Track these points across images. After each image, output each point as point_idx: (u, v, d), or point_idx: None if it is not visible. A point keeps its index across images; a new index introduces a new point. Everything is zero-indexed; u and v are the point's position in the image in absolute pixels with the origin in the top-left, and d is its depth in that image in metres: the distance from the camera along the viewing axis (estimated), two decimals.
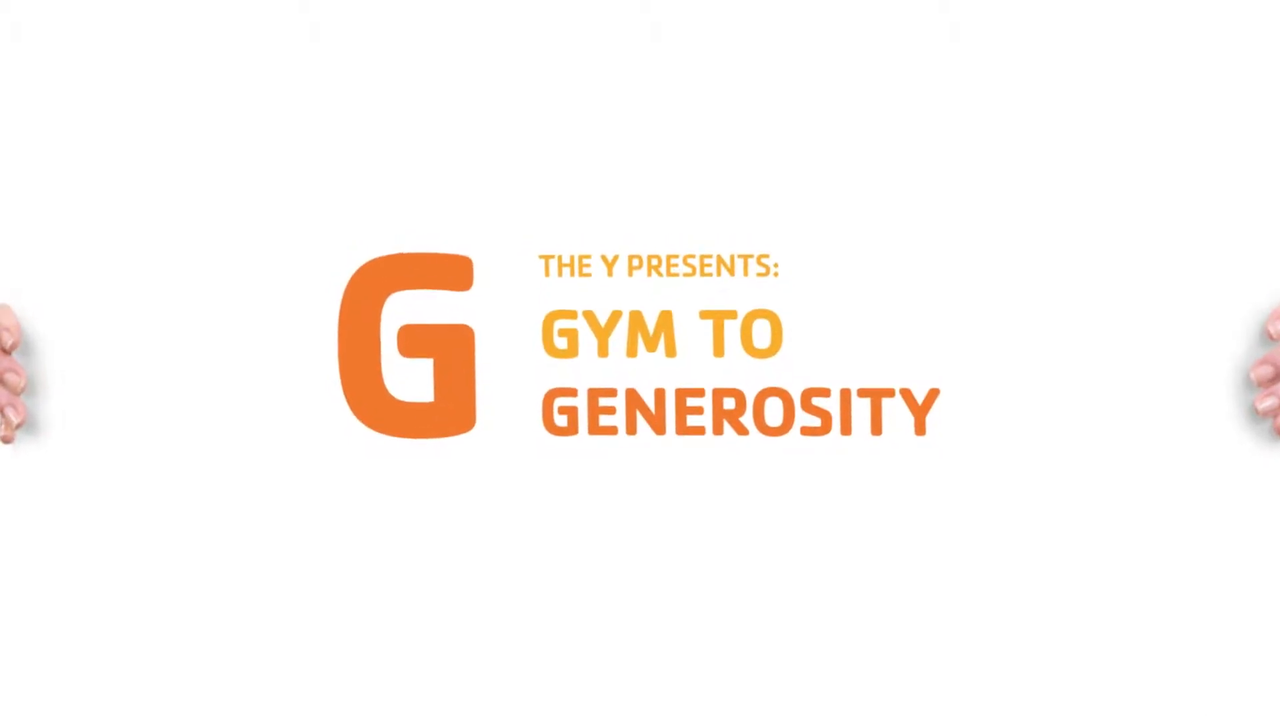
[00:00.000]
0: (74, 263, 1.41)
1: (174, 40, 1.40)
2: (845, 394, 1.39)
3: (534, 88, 1.39)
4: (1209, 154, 1.36)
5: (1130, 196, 1.37)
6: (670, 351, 1.40)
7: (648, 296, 1.39)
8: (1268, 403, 1.37)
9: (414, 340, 1.40)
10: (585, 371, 1.40)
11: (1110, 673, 1.39)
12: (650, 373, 1.40)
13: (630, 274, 1.39)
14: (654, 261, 1.39)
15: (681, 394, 1.40)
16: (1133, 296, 1.37)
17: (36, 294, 1.42)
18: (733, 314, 1.39)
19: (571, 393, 1.40)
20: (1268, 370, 1.37)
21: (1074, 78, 1.36)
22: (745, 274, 1.39)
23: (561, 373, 1.40)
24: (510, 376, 1.40)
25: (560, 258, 1.40)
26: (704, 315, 1.39)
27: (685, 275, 1.39)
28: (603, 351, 1.40)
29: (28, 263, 1.42)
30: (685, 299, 1.39)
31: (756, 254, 1.39)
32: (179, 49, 1.40)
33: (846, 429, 1.39)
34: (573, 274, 1.40)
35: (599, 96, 1.38)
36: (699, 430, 1.40)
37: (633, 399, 1.40)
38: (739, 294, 1.39)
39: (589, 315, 1.40)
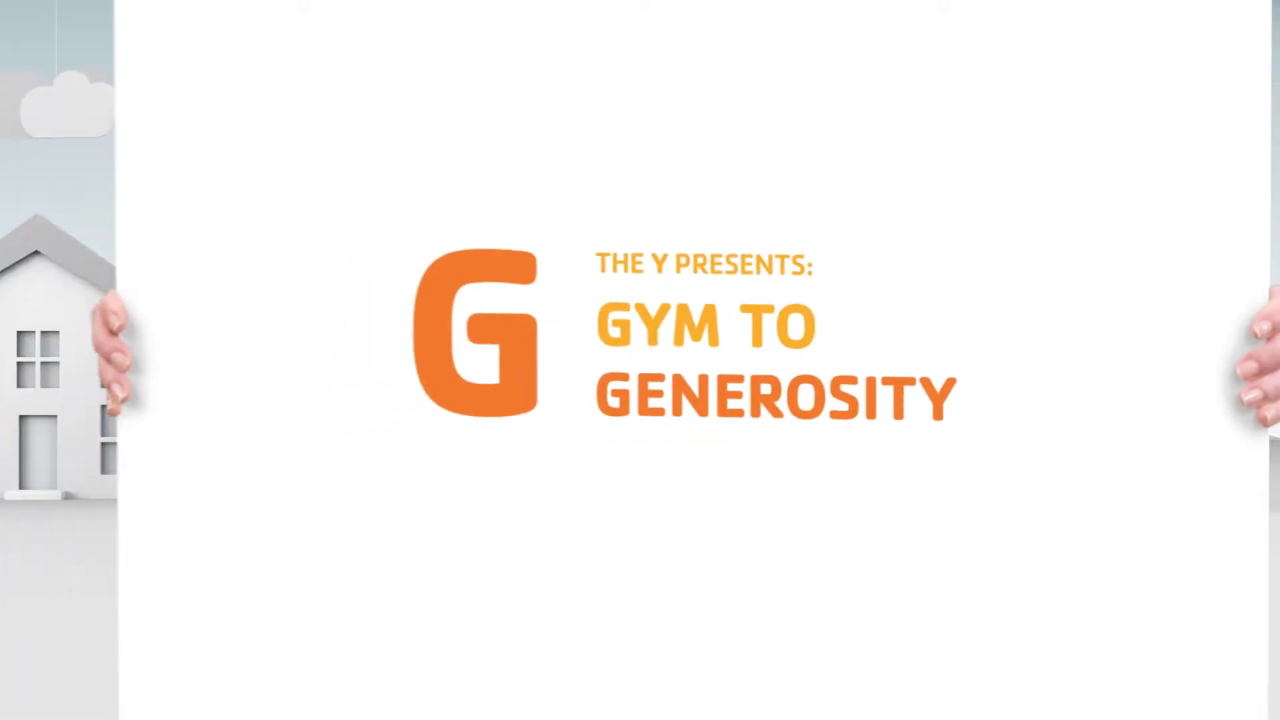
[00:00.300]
0: (174, 253, 1.56)
1: (264, 58, 1.56)
2: (871, 382, 1.54)
3: (596, 105, 1.54)
4: (1208, 173, 1.51)
5: (1133, 209, 1.52)
6: (713, 341, 1.55)
7: (694, 291, 1.54)
8: (1251, 395, 1.51)
9: (482, 328, 1.55)
10: (636, 358, 1.55)
11: (1107, 632, 1.52)
12: (695, 360, 1.55)
13: (678, 270, 1.54)
14: (700, 260, 1.54)
15: (723, 380, 1.55)
16: (1133, 298, 1.52)
17: (142, 280, 1.57)
18: (770, 308, 1.54)
19: (623, 377, 1.55)
20: (1252, 365, 1.51)
21: (1087, 94, 1.51)
22: (782, 272, 1.54)
23: (615, 359, 1.55)
24: (568, 362, 1.55)
25: (615, 255, 1.55)
26: (744, 309, 1.54)
27: (728, 273, 1.54)
28: (652, 340, 1.55)
29: (134, 252, 1.57)
30: (727, 294, 1.54)
31: (792, 254, 1.54)
32: (268, 67, 1.55)
33: (871, 413, 1.54)
34: (626, 270, 1.55)
35: (653, 111, 1.54)
36: (738, 413, 1.55)
37: (679, 384, 1.55)
38: (776, 290, 1.54)
39: (640, 307, 1.55)
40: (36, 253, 22.63)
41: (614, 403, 1.55)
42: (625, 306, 1.55)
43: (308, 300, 1.56)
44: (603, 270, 1.55)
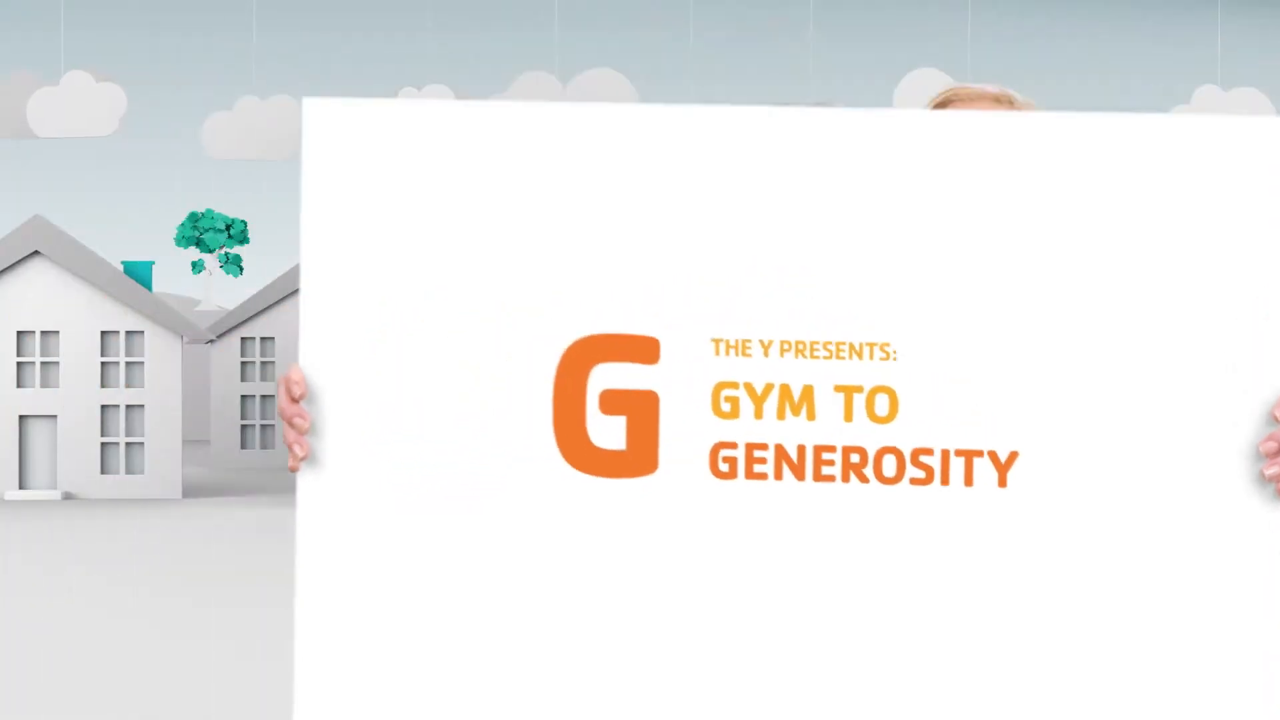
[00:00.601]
0: (347, 334, 1.82)
1: (432, 167, 1.81)
2: (945, 454, 1.79)
3: (714, 217, 1.80)
4: (1236, 282, 1.77)
5: (1171, 310, 1.77)
6: (810, 416, 1.80)
7: (794, 373, 1.80)
8: (1272, 470, 1.77)
9: (612, 402, 1.81)
10: (744, 430, 1.80)
11: (1143, 676, 1.78)
12: (794, 432, 1.80)
13: (781, 355, 1.80)
14: (800, 346, 1.80)
15: (818, 449, 1.80)
16: (1169, 388, 1.78)
17: (321, 355, 1.82)
18: (860, 388, 1.80)
19: (733, 446, 1.81)
20: (1273, 445, 1.77)
21: (1132, 205, 1.77)
22: (870, 358, 1.80)
23: (725, 430, 1.80)
24: (685, 432, 1.80)
25: (727, 341, 1.80)
26: (837, 389, 1.80)
27: (824, 358, 1.80)
28: (758, 415, 1.80)
29: (314, 332, 1.82)
30: (823, 376, 1.80)
31: (880, 343, 1.79)
32: (436, 174, 1.81)
33: (945, 481, 1.79)
34: (737, 354, 1.80)
35: (761, 223, 1.79)
36: (830, 478, 1.80)
37: (780, 452, 1.80)
38: (865, 373, 1.79)
39: (748, 386, 1.80)
40: (36, 253, 22.74)
41: (724, 468, 1.80)
42: (735, 385, 1.80)
43: (461, 375, 1.81)
44: (716, 354, 1.80)
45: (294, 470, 1.82)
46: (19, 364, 22.21)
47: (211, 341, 25.29)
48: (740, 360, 1.80)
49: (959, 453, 1.79)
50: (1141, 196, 1.78)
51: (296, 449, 1.81)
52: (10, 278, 22.88)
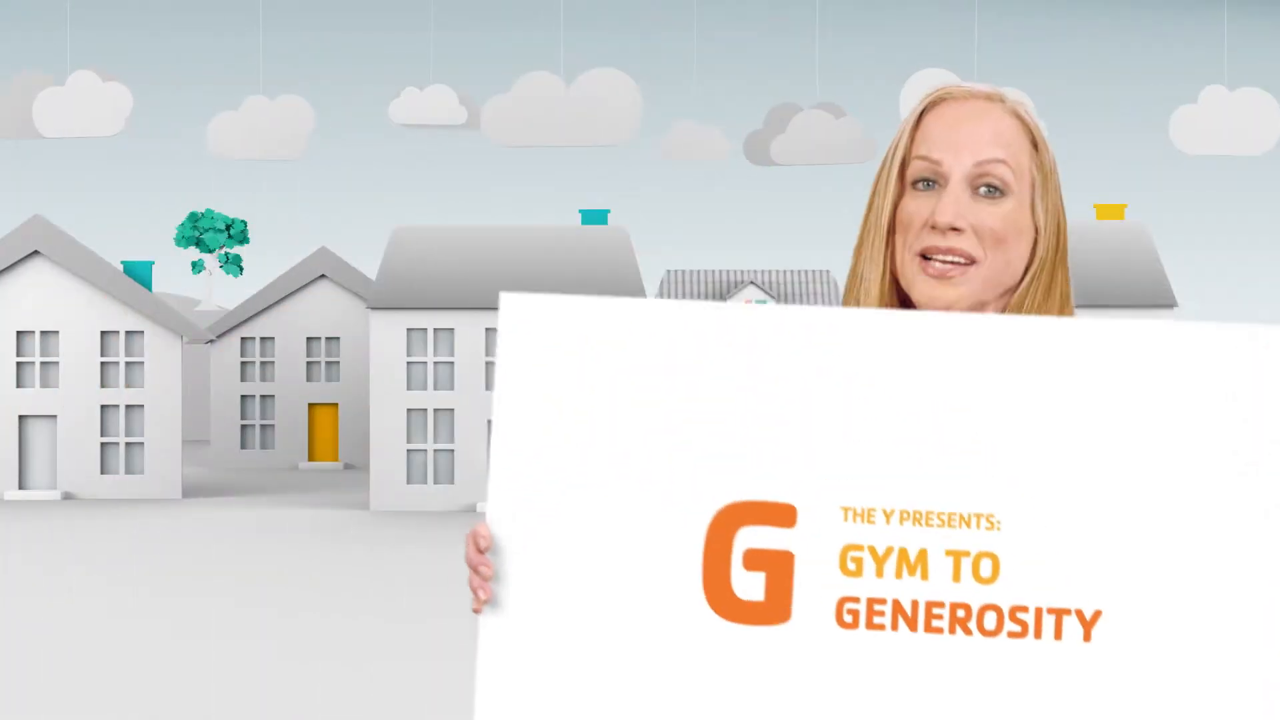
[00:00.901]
0: (527, 497, 2.11)
1: (603, 361, 2.10)
2: (1039, 611, 2.08)
3: (843, 406, 2.09)
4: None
5: (1235, 492, 2.07)
6: (924, 576, 2.09)
7: (911, 538, 2.09)
8: None
9: (754, 559, 2.10)
10: (866, 586, 2.09)
11: None
12: (909, 589, 2.09)
13: (900, 523, 2.09)
14: (916, 515, 2.09)
15: (929, 605, 2.09)
16: (1233, 559, 2.07)
17: (504, 513, 2.11)
18: (967, 553, 2.09)
19: (856, 600, 2.10)
20: None
21: (1204, 404, 2.06)
22: (977, 527, 2.09)
23: (850, 586, 2.09)
24: (816, 587, 2.09)
25: (855, 509, 2.09)
26: (948, 553, 2.09)
27: (937, 526, 2.09)
28: (879, 574, 2.09)
29: (502, 491, 2.11)
30: (936, 541, 2.09)
31: (985, 514, 2.09)
32: (609, 366, 2.10)
33: (1038, 635, 2.08)
34: (862, 521, 2.09)
35: (889, 412, 2.08)
36: (939, 630, 2.09)
37: (896, 607, 2.09)
38: (972, 540, 2.08)
39: (871, 549, 2.09)
40: (36, 253, 22.97)
41: (848, 619, 2.09)
42: (860, 548, 2.09)
43: (624, 536, 2.10)
44: (845, 520, 2.09)
45: (477, 612, 2.11)
46: (19, 364, 22.42)
47: (211, 341, 25.52)
48: (865, 526, 2.09)
49: (1050, 610, 2.08)
50: (1205, 396, 2.07)
51: (480, 593, 2.09)
52: (10, 278, 23.06)
